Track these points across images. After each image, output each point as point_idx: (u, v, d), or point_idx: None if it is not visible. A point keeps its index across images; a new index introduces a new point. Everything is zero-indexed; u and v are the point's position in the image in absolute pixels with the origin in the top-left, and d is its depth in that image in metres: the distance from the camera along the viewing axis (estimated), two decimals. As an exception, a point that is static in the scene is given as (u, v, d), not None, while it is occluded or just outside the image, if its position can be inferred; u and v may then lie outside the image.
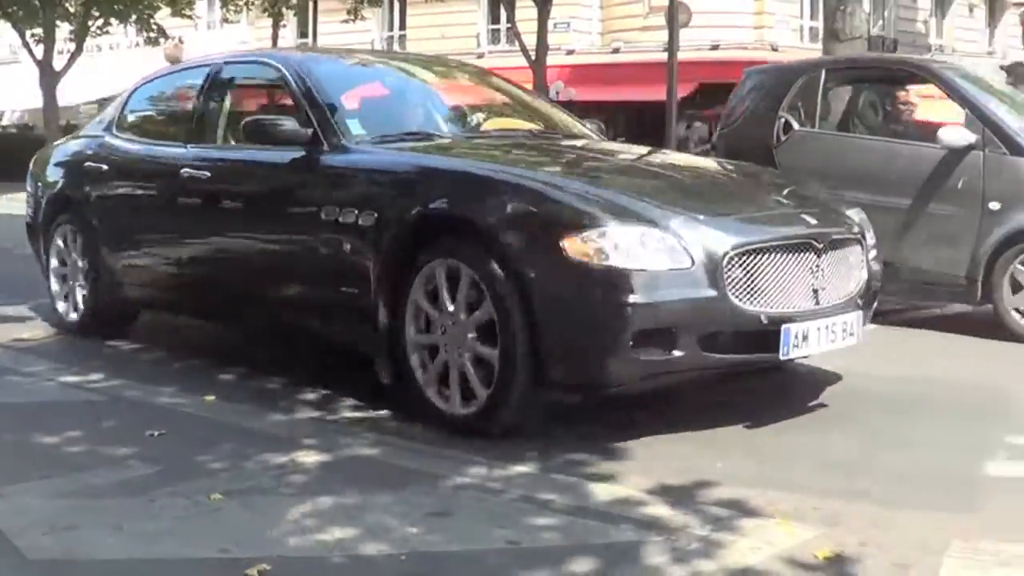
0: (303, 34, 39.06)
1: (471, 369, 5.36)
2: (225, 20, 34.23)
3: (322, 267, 6.08)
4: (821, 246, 5.59)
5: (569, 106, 28.43)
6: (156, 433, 5.56)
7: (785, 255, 5.45)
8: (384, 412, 5.94)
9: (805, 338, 5.42)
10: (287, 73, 6.81)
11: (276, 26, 30.14)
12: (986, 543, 4.06)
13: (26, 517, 4.35)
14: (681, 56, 23.78)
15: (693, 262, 5.10)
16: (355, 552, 3.97)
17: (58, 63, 31.15)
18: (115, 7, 31.41)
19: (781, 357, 5.37)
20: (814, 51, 24.56)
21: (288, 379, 6.77)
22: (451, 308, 5.39)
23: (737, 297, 5.18)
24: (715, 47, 33.20)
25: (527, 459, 5.01)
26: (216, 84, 7.57)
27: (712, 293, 5.12)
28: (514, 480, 4.77)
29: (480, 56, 34.72)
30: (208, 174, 7.06)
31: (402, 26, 37.01)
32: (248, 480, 4.81)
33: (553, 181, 5.61)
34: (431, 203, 5.58)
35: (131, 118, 8.43)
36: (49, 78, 31.09)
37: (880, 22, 38.03)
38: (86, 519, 4.32)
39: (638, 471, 4.88)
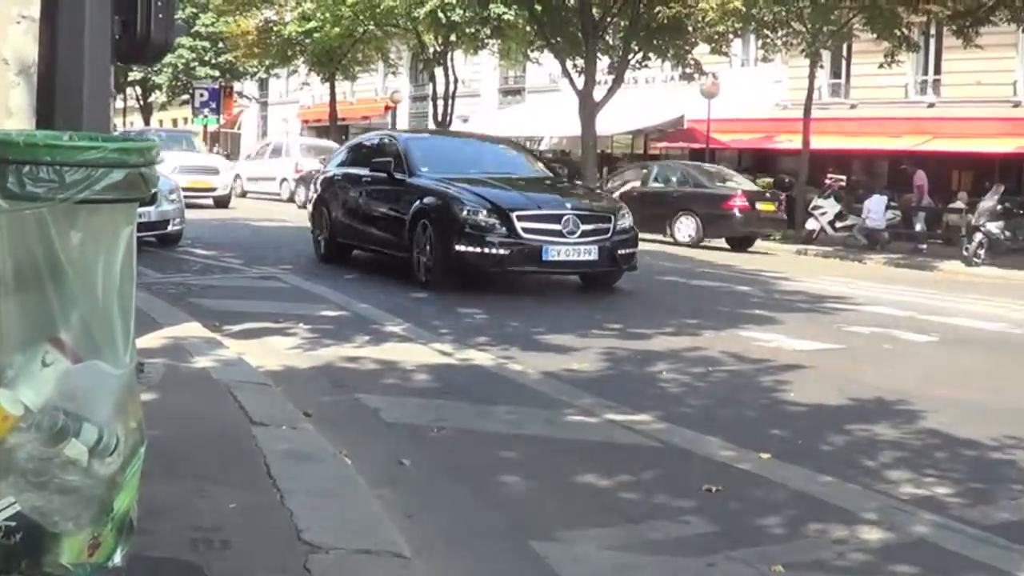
0: (836, 74, 39.54)
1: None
2: (763, 59, 34.52)
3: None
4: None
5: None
6: (713, 489, 5.86)
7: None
8: (945, 490, 6.19)
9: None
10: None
11: (813, 67, 30.11)
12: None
13: (584, 567, 4.72)
14: None
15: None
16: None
17: (595, 94, 32.63)
18: (654, 42, 33.25)
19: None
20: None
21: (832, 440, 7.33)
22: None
23: None
24: None
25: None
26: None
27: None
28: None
29: (1016, 105, 33.98)
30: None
31: (937, 71, 36.13)
32: (809, 553, 5.06)
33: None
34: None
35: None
36: (589, 108, 32.53)
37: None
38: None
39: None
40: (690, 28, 32.18)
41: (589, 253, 14.24)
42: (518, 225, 14.02)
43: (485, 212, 14.12)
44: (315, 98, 61.25)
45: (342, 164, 18.29)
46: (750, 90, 38.83)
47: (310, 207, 18.91)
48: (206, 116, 50.49)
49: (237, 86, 64.33)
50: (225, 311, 11.51)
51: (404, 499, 5.56)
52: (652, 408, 7.90)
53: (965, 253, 24.00)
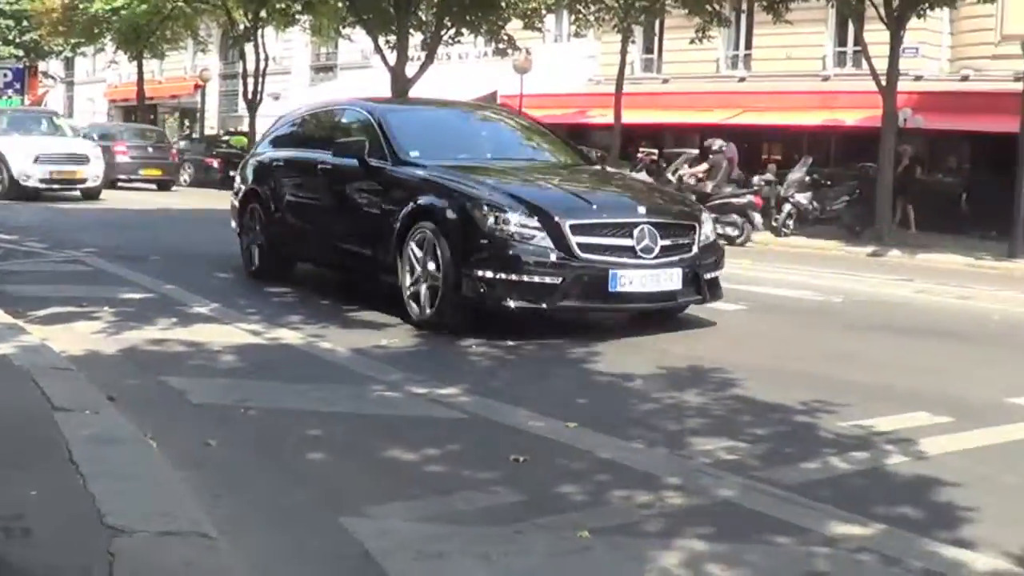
0: (648, 50, 40.42)
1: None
2: (576, 34, 34.74)
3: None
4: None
5: (916, 135, 29.11)
6: (520, 459, 5.97)
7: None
8: (751, 454, 6.39)
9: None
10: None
11: (625, 42, 30.76)
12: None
13: (392, 539, 4.78)
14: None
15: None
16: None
17: (408, 70, 32.87)
18: (467, 17, 33.42)
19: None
20: None
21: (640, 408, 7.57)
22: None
23: None
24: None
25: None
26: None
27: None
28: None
29: (825, 79, 35.24)
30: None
31: (748, 45, 37.30)
32: (613, 518, 5.18)
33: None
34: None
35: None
36: (401, 84, 32.57)
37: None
38: (453, 547, 4.72)
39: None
40: (503, 3, 32.71)
41: (670, 279, 10.17)
42: (573, 239, 9.75)
43: (519, 218, 9.80)
44: (122, 77, 60.63)
45: (282, 144, 13.76)
46: (563, 65, 39.61)
47: (235, 201, 14.31)
48: (10, 97, 49.12)
49: (42, 65, 63.06)
50: (28, 296, 11.26)
51: (211, 480, 5.55)
52: (460, 382, 8.00)
53: (774, 224, 24.71)
